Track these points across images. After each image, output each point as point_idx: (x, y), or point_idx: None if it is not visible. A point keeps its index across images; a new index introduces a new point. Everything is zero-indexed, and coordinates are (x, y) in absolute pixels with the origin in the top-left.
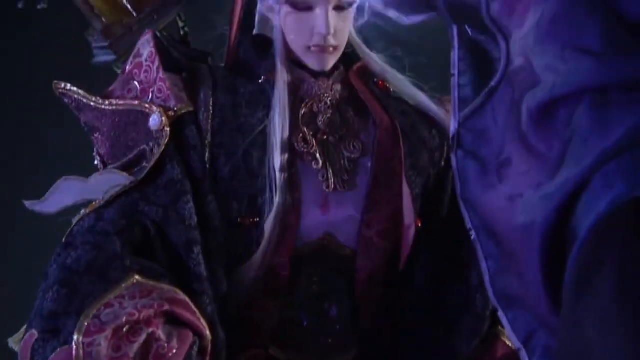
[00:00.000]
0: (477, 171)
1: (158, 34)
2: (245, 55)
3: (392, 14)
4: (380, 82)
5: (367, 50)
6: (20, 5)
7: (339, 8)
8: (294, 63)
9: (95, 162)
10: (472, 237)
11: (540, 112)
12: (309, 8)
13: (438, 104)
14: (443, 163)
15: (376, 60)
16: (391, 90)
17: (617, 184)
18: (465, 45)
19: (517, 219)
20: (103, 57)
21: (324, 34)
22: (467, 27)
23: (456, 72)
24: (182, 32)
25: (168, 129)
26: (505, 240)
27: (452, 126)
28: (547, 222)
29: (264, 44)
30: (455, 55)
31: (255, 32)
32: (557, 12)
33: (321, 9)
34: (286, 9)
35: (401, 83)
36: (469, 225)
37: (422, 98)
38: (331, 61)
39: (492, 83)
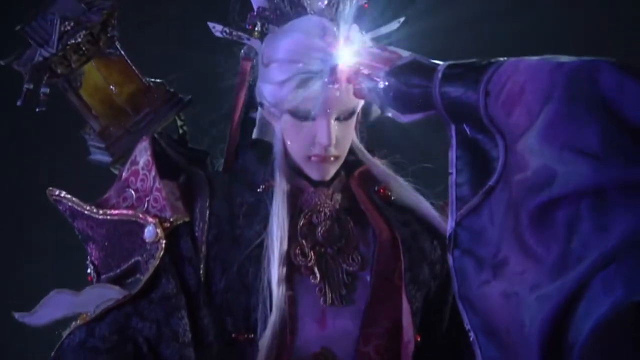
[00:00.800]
0: (473, 268)
1: (156, 136)
2: (244, 160)
3: (390, 112)
4: (382, 190)
5: (369, 156)
6: (19, 103)
7: (341, 118)
8: (294, 170)
9: (88, 271)
10: (471, 339)
11: (538, 213)
12: (311, 118)
13: (440, 210)
14: (444, 274)
15: (378, 166)
16: (392, 197)
17: (616, 288)
18: (463, 144)
19: (514, 316)
20: (99, 157)
21: (326, 145)
22: (465, 126)
23: (454, 171)
24: (180, 131)
25: (163, 242)
26: (504, 337)
27: (449, 225)
28: (544, 324)
29: (264, 149)
30: (452, 153)
31: (254, 136)
32: (556, 113)
33: (322, 119)
34: (287, 117)
35: (403, 190)
36: (467, 326)
37: (423, 206)
38: (332, 171)
39: (490, 182)
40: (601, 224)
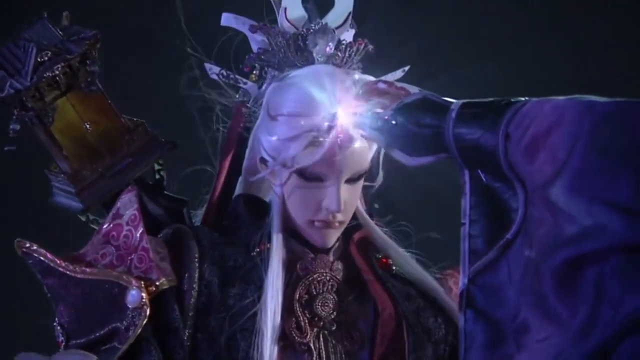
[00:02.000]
0: (489, 339)
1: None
2: (236, 218)
3: (397, 154)
4: (384, 260)
5: (371, 222)
6: None
7: (351, 180)
8: (292, 234)
9: (56, 335)
10: None
11: (563, 271)
12: (319, 179)
13: (440, 282)
14: (447, 357)
15: (379, 233)
16: (393, 267)
17: None
18: (478, 192)
19: None
20: (65, 201)
21: (335, 211)
22: (480, 172)
23: (467, 221)
24: (157, 176)
25: (148, 309)
26: None
27: (461, 281)
28: None
29: (258, 207)
30: (466, 202)
31: (239, 190)
32: (585, 162)
33: (333, 183)
34: (293, 177)
35: (404, 260)
36: None
37: (426, 278)
38: (335, 237)
39: (508, 235)
40: (632, 285)
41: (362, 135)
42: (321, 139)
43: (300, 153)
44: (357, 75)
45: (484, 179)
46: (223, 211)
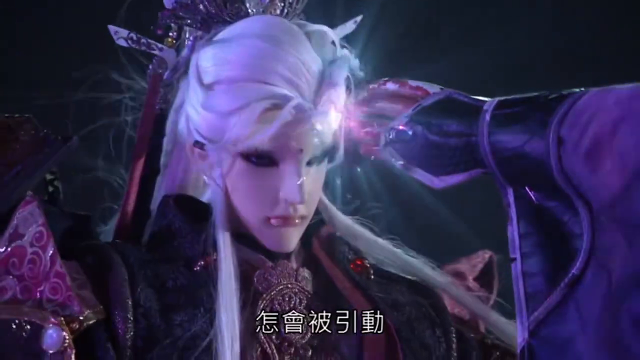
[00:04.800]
0: None
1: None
2: (168, 225)
3: (417, 174)
4: (359, 261)
5: (337, 214)
6: None
7: (313, 162)
8: (242, 238)
9: None
10: None
11: None
12: (272, 163)
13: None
14: None
15: (348, 226)
16: (371, 270)
17: None
18: (528, 216)
19: None
20: None
21: (296, 201)
22: (529, 189)
23: (517, 255)
24: (50, 189)
25: (72, 352)
26: None
27: (519, 336)
28: None
29: (194, 208)
30: (514, 230)
31: (163, 189)
32: None
33: (291, 166)
34: (237, 162)
35: (385, 253)
36: None
37: (417, 266)
38: (296, 237)
39: (574, 270)
40: None
41: (364, 152)
42: (277, 111)
43: (246, 129)
44: (310, 27)
45: (534, 199)
46: (142, 221)
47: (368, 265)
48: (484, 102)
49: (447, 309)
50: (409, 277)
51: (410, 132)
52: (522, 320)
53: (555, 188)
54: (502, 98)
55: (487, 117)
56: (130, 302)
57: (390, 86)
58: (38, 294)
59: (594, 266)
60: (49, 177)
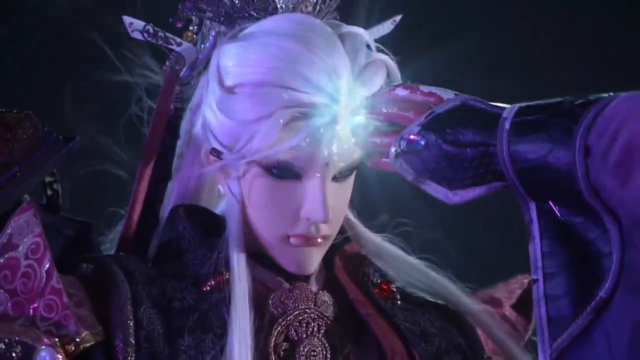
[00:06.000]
0: None
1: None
2: (178, 239)
3: (430, 188)
4: (385, 286)
5: (364, 231)
6: None
7: (339, 177)
8: (258, 257)
9: None
10: None
11: None
12: (295, 176)
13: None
14: None
15: (375, 244)
16: (397, 295)
17: None
18: (552, 234)
19: None
20: None
21: (319, 220)
22: (553, 204)
23: (540, 277)
24: (48, 192)
25: None
26: None
27: None
28: None
29: (206, 221)
30: (536, 249)
31: (173, 200)
32: None
33: (314, 179)
34: (257, 174)
35: (414, 273)
36: None
37: (450, 290)
38: (317, 259)
39: (601, 293)
40: None
41: (372, 165)
42: (304, 120)
43: (270, 139)
44: (345, 28)
45: (558, 214)
46: (149, 233)
47: (395, 289)
48: (503, 108)
49: (480, 338)
50: (439, 302)
51: (422, 142)
52: (544, 347)
53: (582, 202)
54: (523, 104)
55: (507, 125)
56: (132, 324)
57: (400, 92)
58: (31, 311)
59: (623, 289)
60: (48, 179)
